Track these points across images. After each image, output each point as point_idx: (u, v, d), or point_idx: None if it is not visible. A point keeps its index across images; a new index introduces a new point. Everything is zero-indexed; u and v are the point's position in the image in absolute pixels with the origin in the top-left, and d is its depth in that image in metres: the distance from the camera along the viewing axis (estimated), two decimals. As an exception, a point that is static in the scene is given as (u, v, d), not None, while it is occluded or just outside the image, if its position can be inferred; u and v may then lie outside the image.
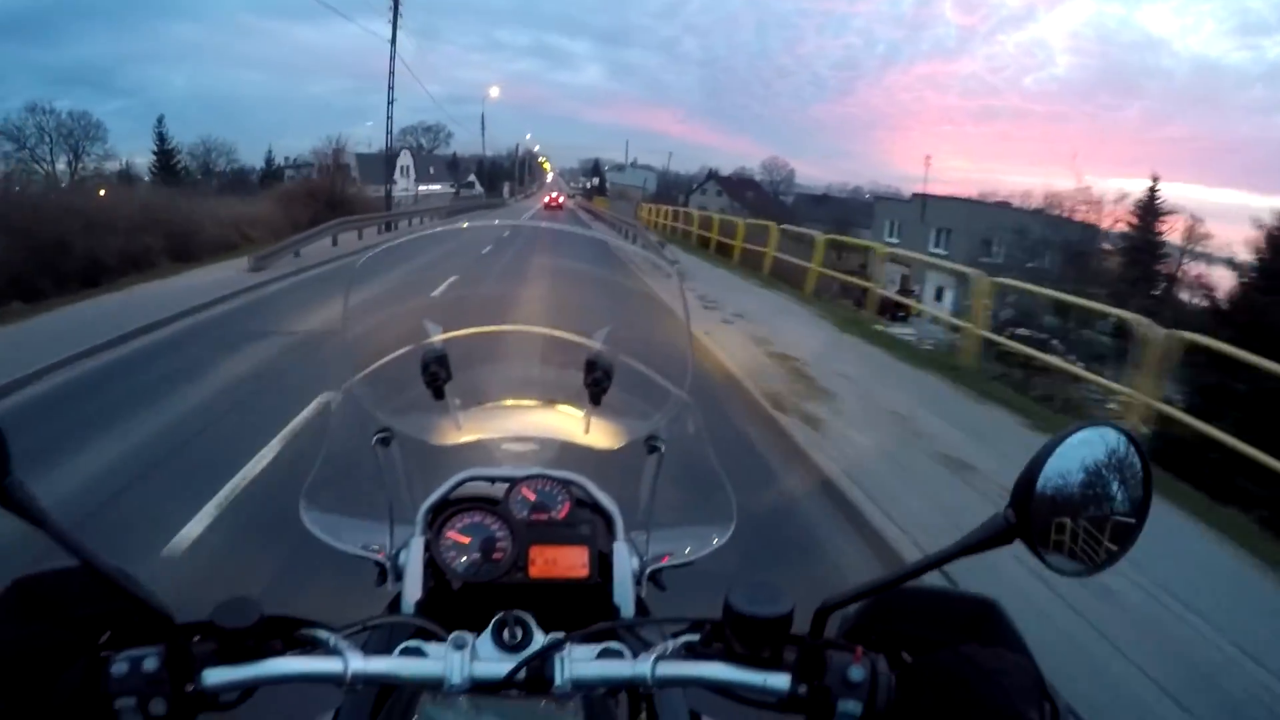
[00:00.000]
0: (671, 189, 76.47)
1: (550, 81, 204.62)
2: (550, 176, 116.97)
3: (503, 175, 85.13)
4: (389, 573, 0.97)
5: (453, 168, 73.79)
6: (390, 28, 27.79)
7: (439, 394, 1.13)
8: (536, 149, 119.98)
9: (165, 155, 44.79)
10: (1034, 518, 0.56)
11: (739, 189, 70.76)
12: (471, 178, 68.45)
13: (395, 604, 0.91)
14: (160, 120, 44.39)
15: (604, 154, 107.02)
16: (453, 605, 0.85)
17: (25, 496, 0.59)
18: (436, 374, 1.13)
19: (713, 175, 70.27)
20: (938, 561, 0.59)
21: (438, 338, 1.16)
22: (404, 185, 52.55)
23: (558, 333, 1.24)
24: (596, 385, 1.15)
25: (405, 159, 56.14)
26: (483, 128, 62.68)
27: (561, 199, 58.05)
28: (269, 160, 54.74)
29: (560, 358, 1.24)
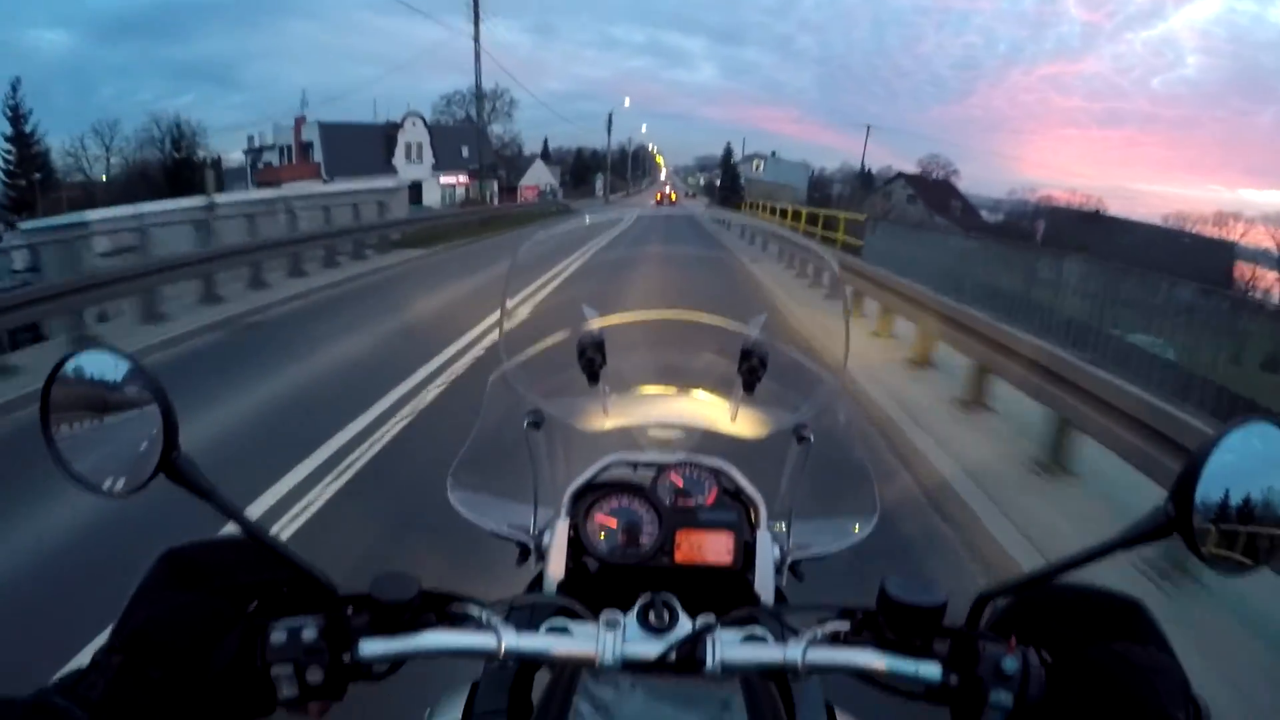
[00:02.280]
0: (812, 190, 73.99)
1: (665, 79, 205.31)
2: (664, 173, 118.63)
3: (596, 169, 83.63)
4: (532, 553, 1.04)
5: (543, 157, 65.12)
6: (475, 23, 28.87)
7: (593, 379, 1.17)
8: (652, 146, 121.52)
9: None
10: (1194, 512, 0.59)
11: (936, 195, 65.18)
12: (540, 173, 63.92)
13: (537, 583, 0.98)
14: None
15: (719, 151, 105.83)
16: (591, 586, 0.93)
17: (192, 470, 0.65)
18: (593, 359, 1.16)
19: (901, 176, 65.15)
20: (1094, 555, 0.63)
21: (595, 323, 1.20)
22: (411, 174, 42.83)
23: (713, 319, 1.28)
24: (751, 373, 1.16)
25: (415, 133, 46.69)
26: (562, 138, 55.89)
27: (675, 196, 60.97)
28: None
29: (713, 344, 1.27)
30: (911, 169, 72.24)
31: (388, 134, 43.73)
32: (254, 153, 45.88)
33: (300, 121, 44.32)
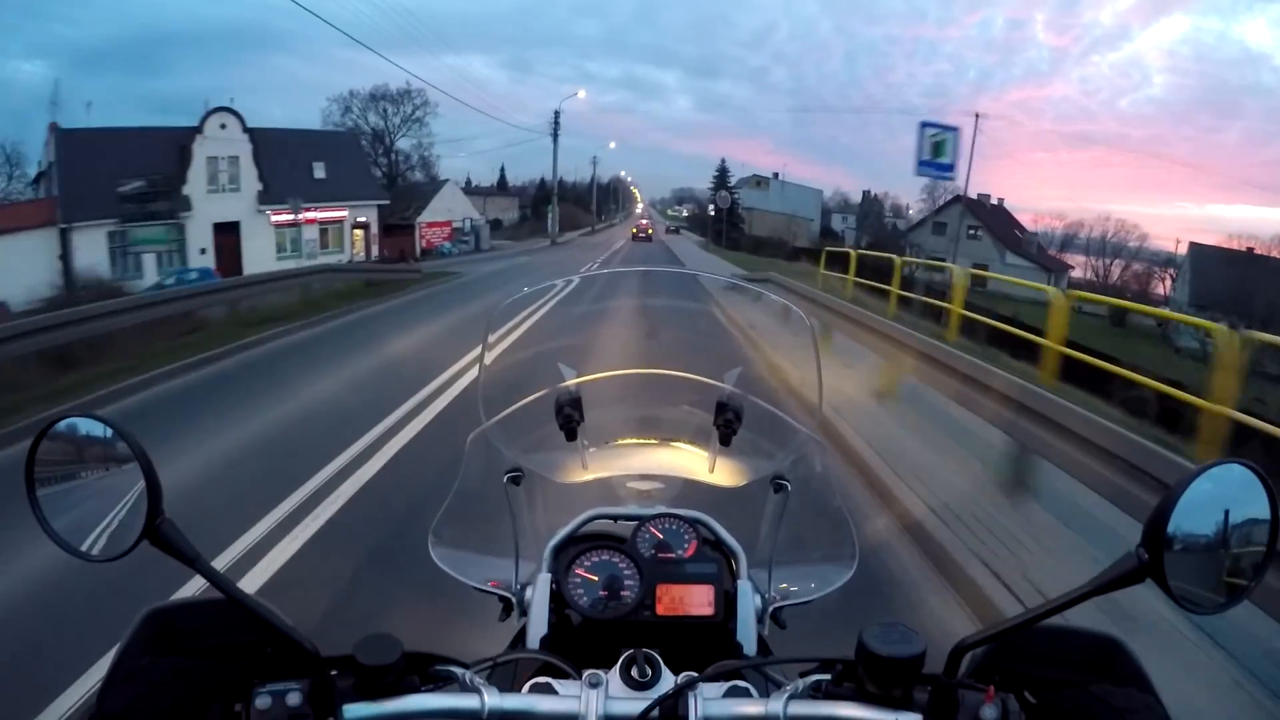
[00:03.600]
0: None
1: (640, 112, 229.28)
2: (640, 206, 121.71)
3: (566, 200, 72.75)
4: (515, 608, 1.08)
5: (500, 188, 49.96)
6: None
7: (571, 435, 1.27)
8: (628, 176, 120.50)
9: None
10: (1165, 556, 0.62)
11: (1001, 226, 54.57)
12: (454, 203, 47.18)
13: (520, 639, 1.02)
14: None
15: (695, 184, 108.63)
16: (574, 641, 0.97)
17: (176, 535, 0.68)
18: (570, 415, 1.25)
19: (959, 201, 49.68)
20: (1070, 602, 0.65)
21: (572, 381, 1.29)
22: (216, 209, 29.60)
23: (689, 375, 1.34)
24: (727, 426, 1.24)
25: (226, 143, 31.00)
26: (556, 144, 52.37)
27: (651, 230, 60.21)
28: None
29: (688, 398, 1.34)
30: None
31: (182, 146, 25.14)
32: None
33: (53, 131, 25.42)
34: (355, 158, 37.28)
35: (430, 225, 42.90)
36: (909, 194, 68.31)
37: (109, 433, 0.70)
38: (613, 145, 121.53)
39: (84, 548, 0.69)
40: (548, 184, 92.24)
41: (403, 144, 51.09)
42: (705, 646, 0.94)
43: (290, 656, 0.70)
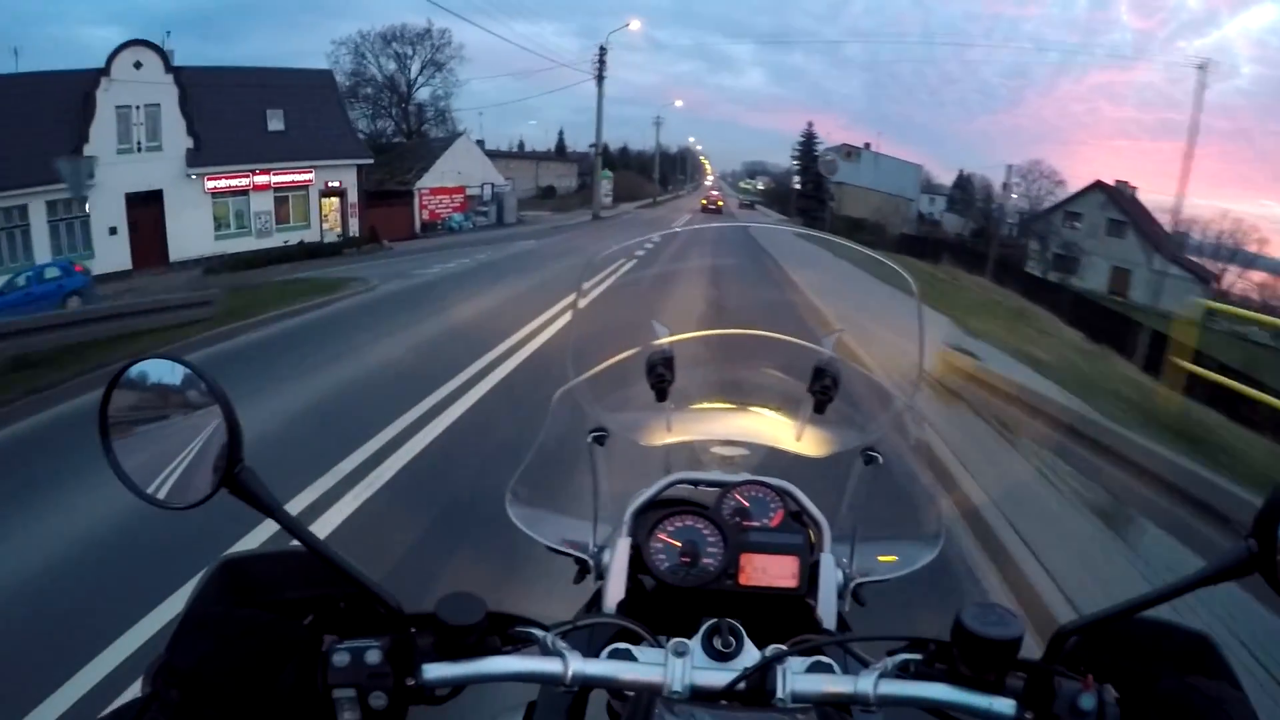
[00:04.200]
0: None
1: (711, 84, 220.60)
2: (711, 178, 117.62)
3: (636, 169, 70.96)
4: (591, 569, 1.07)
5: (559, 154, 49.02)
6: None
7: (662, 395, 1.24)
8: (698, 146, 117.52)
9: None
10: (1277, 548, 0.60)
11: (1147, 222, 43.59)
12: (468, 164, 36.20)
13: (594, 602, 1.02)
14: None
15: (766, 157, 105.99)
16: (649, 607, 0.95)
17: (256, 484, 0.67)
18: (662, 375, 1.23)
19: (1100, 188, 43.59)
20: (1175, 592, 0.65)
21: (665, 340, 1.27)
22: (130, 173, 21.69)
23: (786, 337, 1.33)
24: (823, 393, 1.21)
25: (139, 88, 22.30)
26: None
27: (722, 202, 55.33)
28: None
29: (782, 362, 1.34)
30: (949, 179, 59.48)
31: (85, 93, 16.85)
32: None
33: None
34: (326, 104, 28.27)
35: (435, 192, 33.77)
36: (994, 176, 59.30)
37: (187, 375, 0.69)
38: (679, 104, 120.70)
39: (160, 495, 0.68)
40: (609, 152, 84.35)
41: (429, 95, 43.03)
42: (784, 619, 0.92)
43: (363, 612, 0.71)
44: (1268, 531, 0.59)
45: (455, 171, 34.47)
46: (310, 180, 26.51)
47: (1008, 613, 0.67)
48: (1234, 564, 0.61)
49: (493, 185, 37.08)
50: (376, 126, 41.26)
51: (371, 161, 30.36)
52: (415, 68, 42.50)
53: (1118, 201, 44.14)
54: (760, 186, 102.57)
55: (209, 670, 0.63)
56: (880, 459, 1.17)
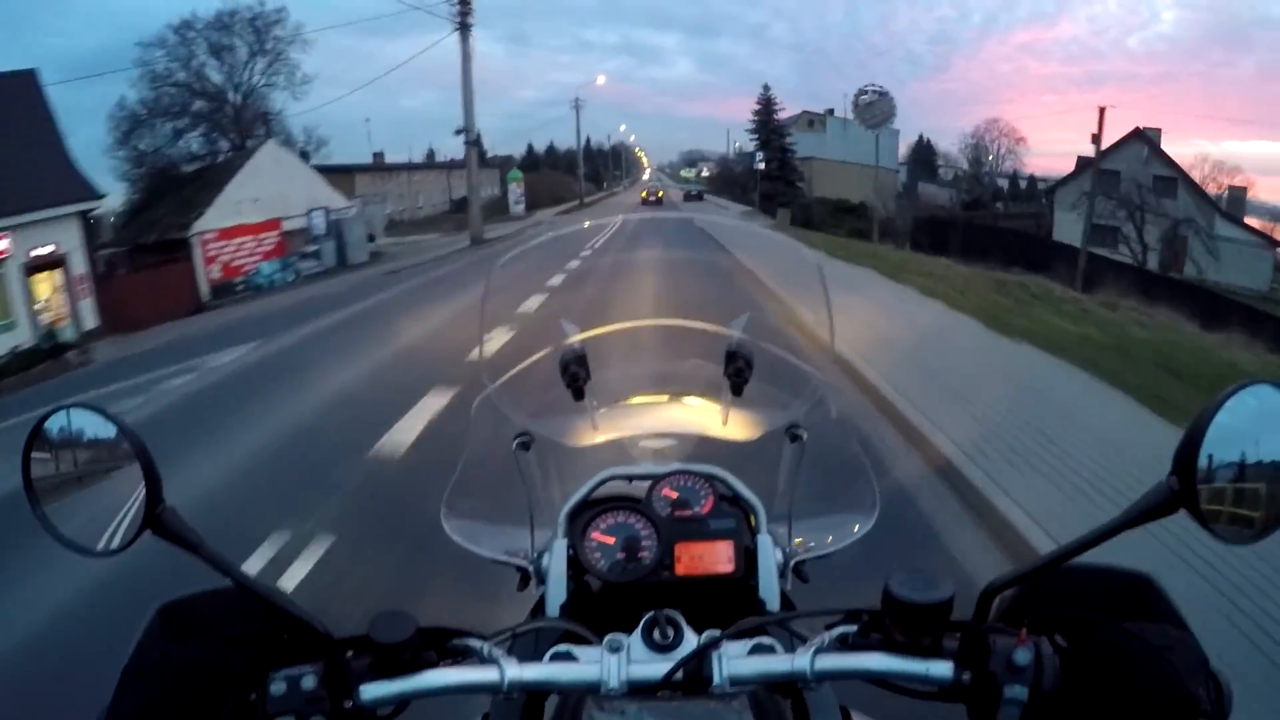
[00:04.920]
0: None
1: (641, 78, 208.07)
2: (648, 172, 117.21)
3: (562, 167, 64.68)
4: (532, 576, 1.07)
5: (482, 161, 37.61)
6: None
7: (579, 394, 1.24)
8: (631, 137, 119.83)
9: None
10: (1198, 484, 0.61)
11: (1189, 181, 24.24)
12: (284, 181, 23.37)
13: (539, 607, 1.02)
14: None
15: (702, 146, 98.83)
16: (595, 606, 0.97)
17: (178, 524, 0.69)
18: (576, 374, 1.23)
19: (1142, 137, 34.86)
20: (1100, 537, 0.65)
21: (576, 338, 1.27)
22: None
23: (696, 324, 1.33)
24: (738, 375, 1.22)
25: None
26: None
27: (662, 194, 51.19)
28: None
29: (696, 349, 1.33)
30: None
31: None
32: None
33: None
34: (25, 123, 17.45)
35: (227, 234, 21.38)
36: (947, 143, 54.87)
37: (105, 422, 0.71)
38: (601, 80, 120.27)
39: (83, 542, 0.69)
40: (534, 152, 73.12)
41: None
42: (727, 604, 0.94)
43: (305, 640, 0.71)
44: (1187, 469, 0.60)
45: (252, 200, 22.17)
46: (4, 250, 15.36)
47: (937, 576, 0.68)
48: (1158, 504, 0.62)
49: (327, 211, 24.72)
50: (216, 147, 29.17)
51: (95, 205, 18.49)
52: (252, 63, 30.35)
53: (1162, 154, 34.54)
54: (705, 174, 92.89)
55: (152, 714, 0.65)
56: (804, 435, 1.19)
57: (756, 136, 47.33)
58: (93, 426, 0.70)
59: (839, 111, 48.99)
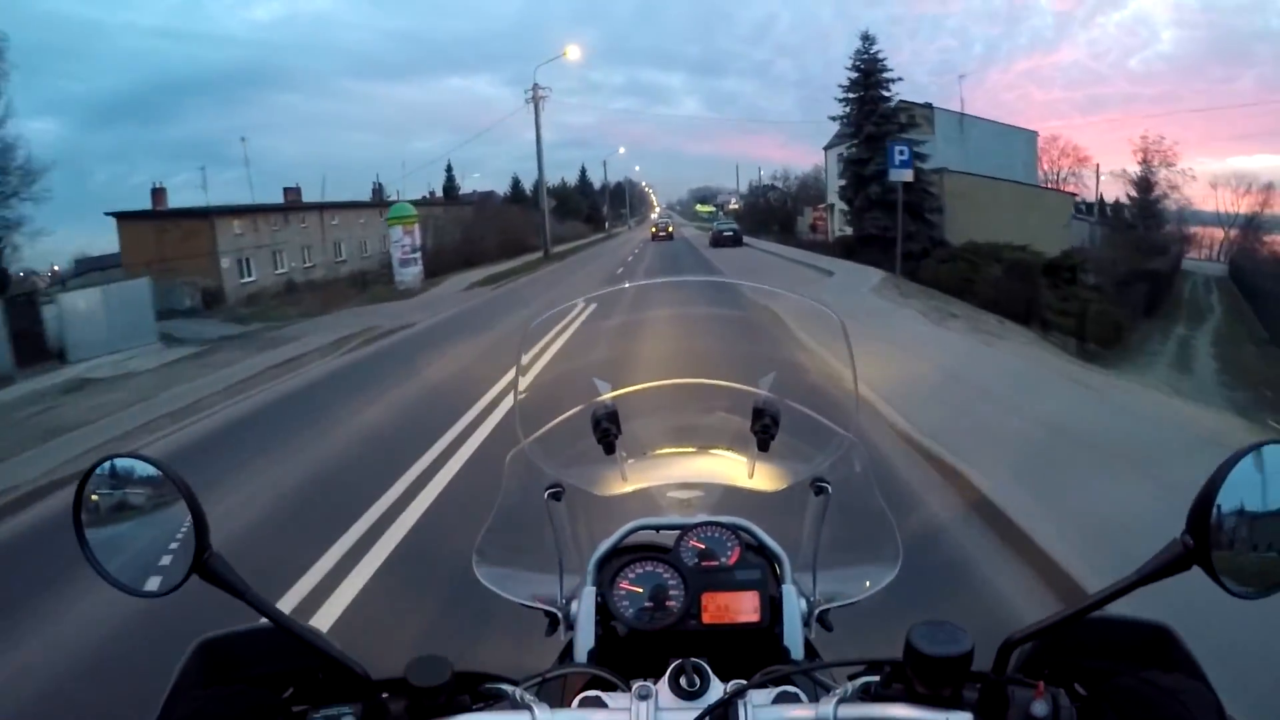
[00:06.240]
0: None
1: (648, 117, 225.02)
2: (657, 211, 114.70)
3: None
4: (561, 622, 1.11)
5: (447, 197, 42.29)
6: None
7: (609, 449, 1.28)
8: (643, 182, 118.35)
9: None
10: (1211, 542, 0.63)
11: None
12: None
13: (567, 653, 1.06)
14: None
15: (712, 183, 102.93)
16: (621, 653, 0.99)
17: (224, 569, 0.71)
18: (608, 430, 1.26)
19: None
20: (1117, 593, 0.66)
21: (608, 395, 1.31)
22: None
23: (724, 383, 1.38)
24: (764, 431, 1.25)
25: None
26: None
27: (671, 229, 53.29)
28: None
29: (724, 404, 1.37)
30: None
31: None
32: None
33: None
34: None
35: None
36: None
37: (154, 471, 0.74)
38: (622, 151, 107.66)
39: (134, 584, 0.72)
40: (521, 186, 55.81)
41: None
42: (752, 653, 0.96)
43: (340, 681, 0.73)
44: (1200, 526, 0.61)
45: None
46: None
47: (956, 628, 0.69)
48: (1172, 560, 0.63)
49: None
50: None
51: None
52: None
53: None
54: (734, 205, 74.16)
55: None
56: (829, 488, 1.21)
57: (849, 123, 27.71)
58: (142, 473, 0.73)
59: (940, 103, 30.46)
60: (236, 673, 0.74)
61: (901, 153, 20.22)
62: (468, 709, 0.72)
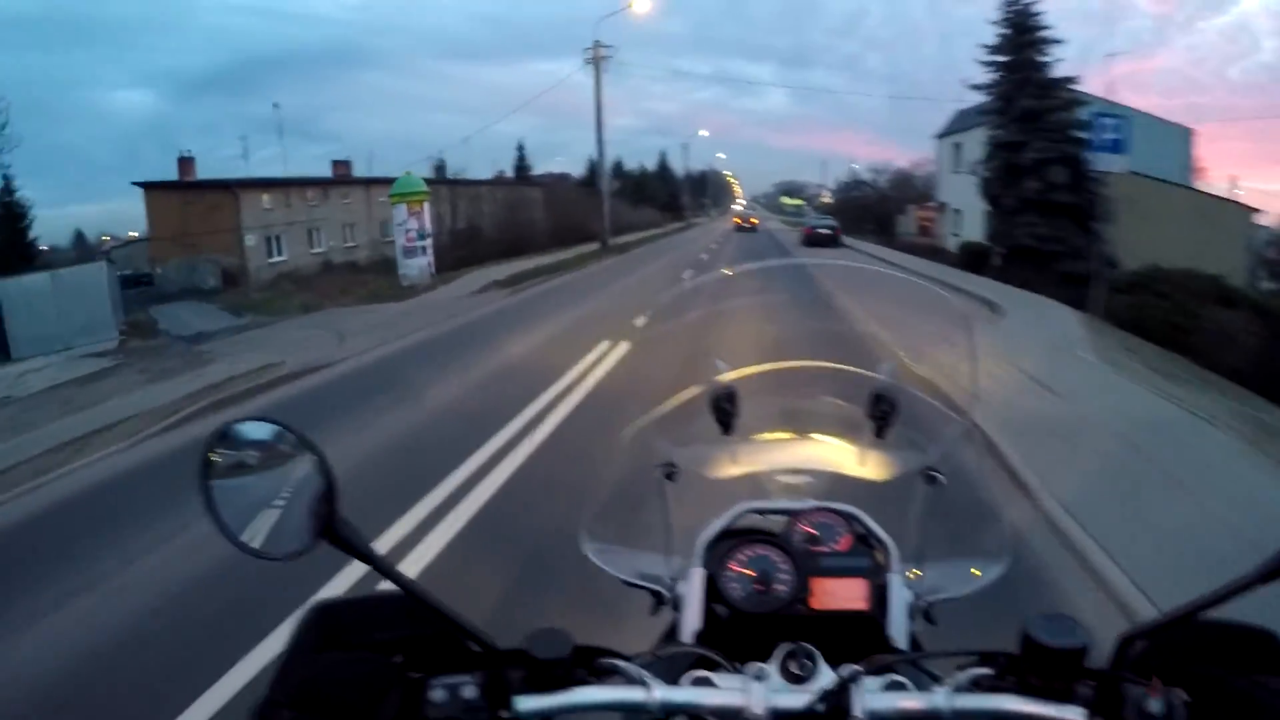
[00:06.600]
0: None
1: (734, 108, 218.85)
2: (741, 203, 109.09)
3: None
4: (667, 601, 1.11)
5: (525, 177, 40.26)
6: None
7: (727, 429, 1.30)
8: (723, 164, 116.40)
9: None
10: None
11: None
12: None
13: (671, 632, 1.06)
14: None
15: (797, 178, 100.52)
16: (724, 634, 0.99)
17: (353, 535, 0.72)
18: (726, 410, 1.28)
19: None
20: (1236, 590, 0.66)
21: (727, 376, 1.32)
22: None
23: (845, 367, 1.39)
24: (882, 418, 1.25)
25: None
26: None
27: (755, 219, 53.79)
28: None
29: (840, 389, 1.36)
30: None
31: None
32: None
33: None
34: None
35: None
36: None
37: (281, 433, 0.74)
38: (704, 133, 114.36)
39: (258, 546, 0.72)
40: (595, 165, 51.18)
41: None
42: (856, 641, 0.94)
43: (450, 650, 0.75)
44: None
45: None
46: None
47: (1074, 622, 0.69)
48: None
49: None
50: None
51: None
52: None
53: None
54: (825, 199, 67.84)
55: (321, 690, 0.68)
56: (942, 479, 1.19)
57: (994, 96, 21.23)
58: (272, 437, 0.73)
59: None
60: (349, 637, 0.75)
61: (1113, 129, 13.82)
62: (585, 682, 0.73)
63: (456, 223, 35.06)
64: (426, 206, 19.73)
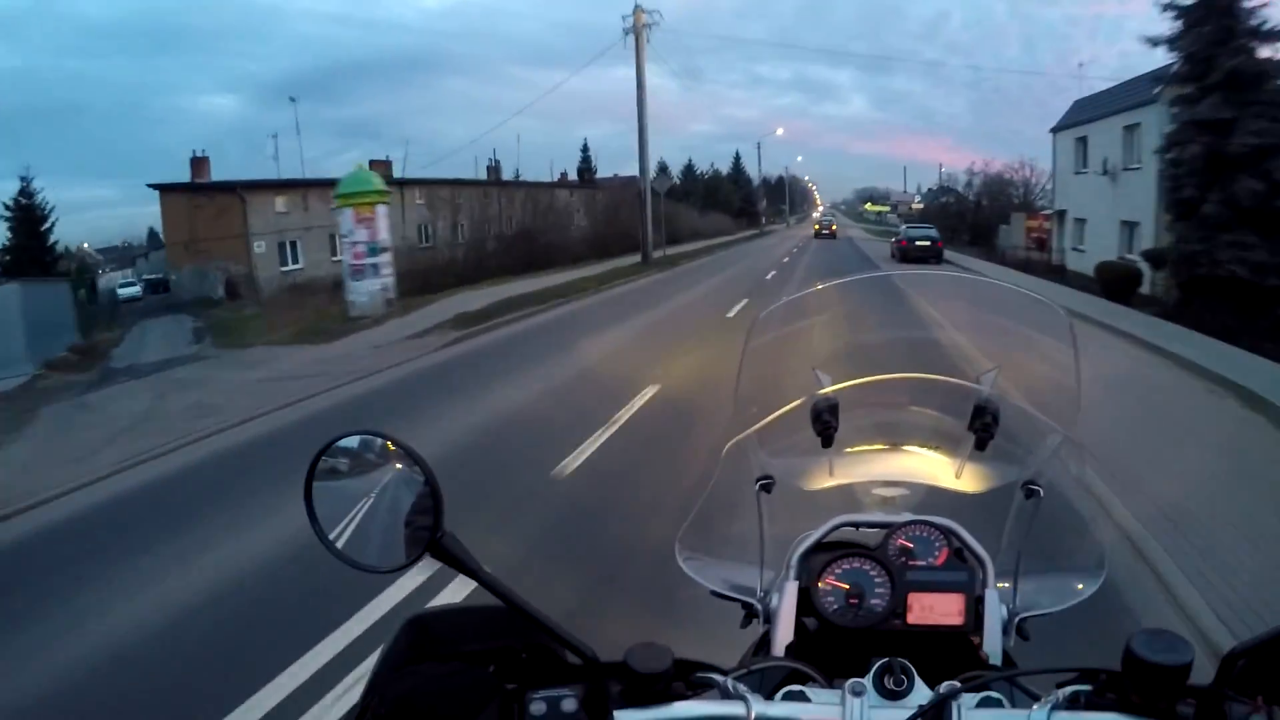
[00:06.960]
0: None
1: (814, 114, 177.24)
2: (820, 210, 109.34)
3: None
4: (759, 615, 1.12)
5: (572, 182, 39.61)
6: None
7: (828, 442, 1.27)
8: (803, 174, 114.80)
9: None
10: None
11: None
12: None
13: (762, 644, 1.06)
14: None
15: (879, 184, 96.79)
16: (814, 648, 1.00)
17: (459, 549, 0.72)
18: (828, 423, 1.25)
19: None
20: None
21: (830, 389, 1.29)
22: None
23: (946, 379, 1.31)
24: (984, 429, 1.22)
25: None
26: None
27: (834, 226, 55.68)
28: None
29: (940, 401, 1.33)
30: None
31: None
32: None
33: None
34: None
35: None
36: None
37: (386, 448, 0.74)
38: (780, 132, 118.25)
39: (361, 559, 0.72)
40: (667, 171, 47.05)
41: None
42: (949, 657, 0.94)
43: (544, 662, 0.76)
44: None
45: None
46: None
47: (1178, 638, 0.68)
48: None
49: None
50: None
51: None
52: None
53: None
54: (918, 204, 62.15)
55: (416, 704, 0.69)
56: (1041, 492, 1.17)
57: (1182, 58, 14.34)
58: (378, 452, 0.74)
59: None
60: (441, 649, 0.75)
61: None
62: (683, 696, 0.73)
63: (492, 229, 31.48)
64: (382, 211, 15.07)
